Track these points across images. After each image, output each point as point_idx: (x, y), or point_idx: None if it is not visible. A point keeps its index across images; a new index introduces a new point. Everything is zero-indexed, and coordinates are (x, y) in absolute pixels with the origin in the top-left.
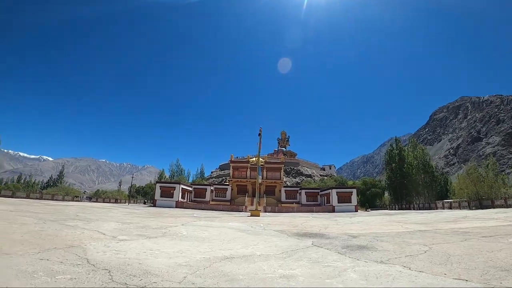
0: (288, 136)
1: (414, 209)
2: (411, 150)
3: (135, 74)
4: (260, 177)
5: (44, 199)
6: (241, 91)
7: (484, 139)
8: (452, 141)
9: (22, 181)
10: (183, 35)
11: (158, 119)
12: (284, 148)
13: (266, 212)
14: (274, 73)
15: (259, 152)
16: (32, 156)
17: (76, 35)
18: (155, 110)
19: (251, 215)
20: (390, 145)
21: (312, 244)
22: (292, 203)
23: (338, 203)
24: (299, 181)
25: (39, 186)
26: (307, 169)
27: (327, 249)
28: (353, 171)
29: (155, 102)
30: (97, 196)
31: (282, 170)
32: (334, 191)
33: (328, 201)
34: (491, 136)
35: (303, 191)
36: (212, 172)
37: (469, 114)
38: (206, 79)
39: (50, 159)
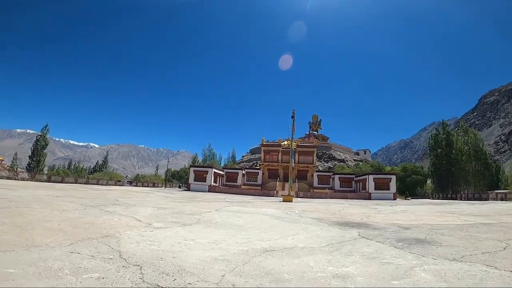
0: (320, 119)
1: (461, 199)
2: (462, 135)
3: (166, 66)
4: (293, 160)
5: (90, 184)
6: (273, 73)
7: None
8: (503, 127)
9: (72, 167)
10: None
11: (191, 104)
12: (315, 132)
13: (298, 197)
14: (305, 55)
15: (292, 135)
16: (81, 144)
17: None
18: (188, 96)
19: (284, 201)
20: (436, 129)
21: (359, 235)
22: (324, 188)
23: (375, 190)
24: (331, 166)
25: (87, 171)
26: (340, 153)
27: (379, 242)
28: (389, 156)
29: (186, 88)
30: (137, 181)
31: (315, 154)
32: (371, 177)
33: (364, 188)
34: None
35: (336, 177)
36: (243, 157)
37: None
38: (240, 66)
39: (96, 145)
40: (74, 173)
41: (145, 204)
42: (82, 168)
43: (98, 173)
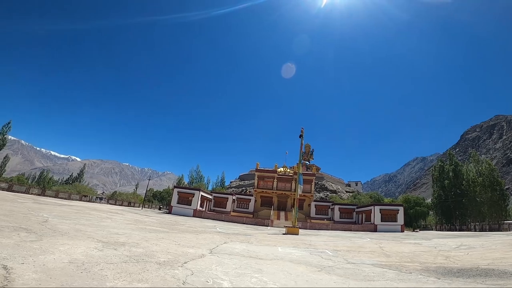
0: (312, 149)
1: (472, 230)
2: (474, 165)
3: (154, 83)
4: (301, 187)
5: (46, 196)
6: (261, 104)
7: None
8: None
9: (43, 177)
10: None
11: (178, 126)
12: (307, 162)
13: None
14: (288, 85)
15: (300, 155)
16: (62, 155)
17: (110, 46)
18: (175, 116)
19: (288, 233)
20: (440, 160)
21: None
22: (323, 219)
23: (381, 221)
24: (323, 196)
25: (59, 183)
26: (332, 184)
27: None
28: (374, 189)
29: (173, 109)
30: (115, 198)
31: (313, 183)
32: (377, 208)
33: (368, 219)
34: None
35: (336, 207)
36: (231, 182)
37: (504, 134)
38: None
39: (78, 159)
40: (39, 183)
41: (92, 232)
42: (50, 179)
43: (64, 186)
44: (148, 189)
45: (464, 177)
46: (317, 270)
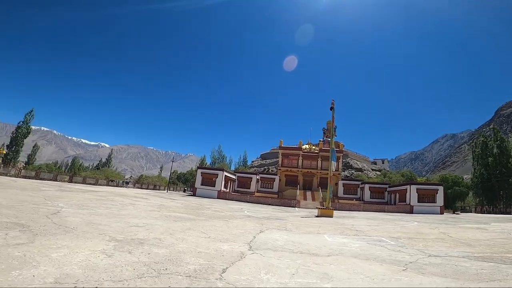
0: (336, 125)
1: None
2: None
3: (175, 71)
4: (334, 163)
5: (73, 182)
6: (280, 75)
7: None
8: None
9: (75, 164)
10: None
11: (199, 108)
12: (330, 139)
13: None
14: (309, 62)
15: (332, 129)
16: (92, 143)
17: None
18: (195, 99)
19: (321, 215)
20: (482, 135)
21: None
22: (352, 199)
23: (418, 202)
24: (348, 175)
25: (90, 169)
26: (357, 162)
27: None
28: (398, 168)
29: (194, 92)
30: (141, 182)
31: (341, 160)
32: (413, 188)
33: (403, 200)
34: None
35: (366, 186)
36: (253, 162)
37: None
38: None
39: (107, 145)
40: (71, 170)
41: (106, 225)
42: (80, 165)
43: (93, 172)
44: (172, 171)
45: None
46: (401, 269)
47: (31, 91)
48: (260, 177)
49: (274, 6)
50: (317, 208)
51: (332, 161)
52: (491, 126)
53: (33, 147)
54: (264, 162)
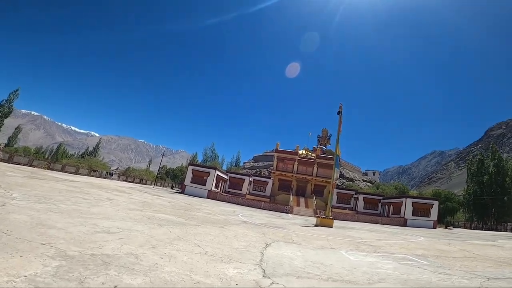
0: (330, 134)
1: (509, 231)
2: None
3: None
4: (338, 171)
5: (51, 169)
6: (281, 80)
7: None
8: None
9: (59, 151)
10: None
11: (194, 105)
12: (324, 147)
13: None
14: (306, 71)
15: (338, 134)
16: (82, 131)
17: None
18: (191, 98)
19: (320, 224)
20: (480, 154)
21: None
22: (345, 208)
23: (412, 215)
24: (339, 184)
25: (75, 157)
26: (349, 172)
27: None
28: (386, 181)
29: (191, 91)
30: (127, 174)
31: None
32: (409, 201)
33: (397, 212)
34: None
35: (360, 196)
36: (245, 163)
37: None
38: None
39: (97, 135)
40: (54, 156)
41: (61, 229)
42: (64, 152)
43: (75, 160)
44: (161, 166)
45: (509, 173)
46: None
47: (17, 71)
48: (253, 180)
49: (277, 21)
50: (316, 216)
51: (336, 169)
52: (479, 146)
53: (15, 128)
54: (256, 165)
